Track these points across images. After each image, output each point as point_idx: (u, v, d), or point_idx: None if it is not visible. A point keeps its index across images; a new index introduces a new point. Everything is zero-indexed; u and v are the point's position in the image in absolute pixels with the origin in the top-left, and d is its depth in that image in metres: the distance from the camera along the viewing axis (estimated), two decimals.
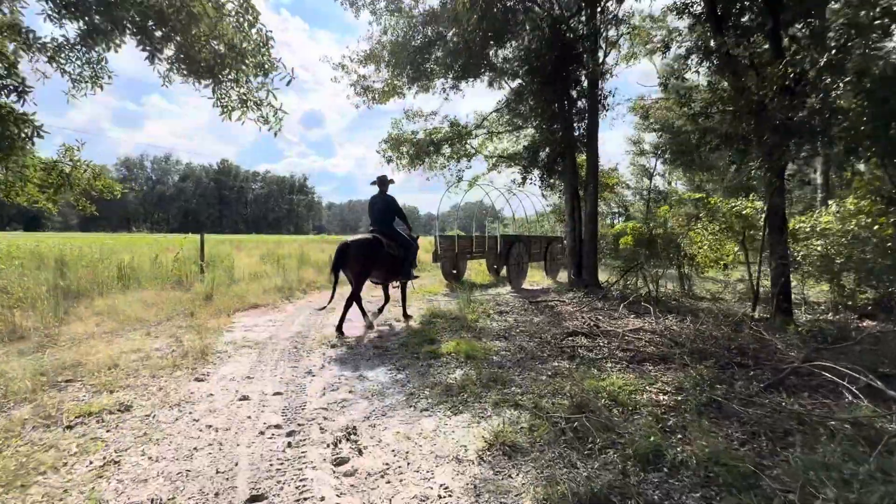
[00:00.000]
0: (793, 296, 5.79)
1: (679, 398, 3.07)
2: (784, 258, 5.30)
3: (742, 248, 6.81)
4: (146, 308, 6.23)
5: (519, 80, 9.40)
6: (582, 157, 9.30)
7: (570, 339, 4.73)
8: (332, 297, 5.47)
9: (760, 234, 6.11)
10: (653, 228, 7.25)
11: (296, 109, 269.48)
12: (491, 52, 8.59)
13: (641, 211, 21.86)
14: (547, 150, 9.01)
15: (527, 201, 13.17)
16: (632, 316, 5.88)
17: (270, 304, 7.46)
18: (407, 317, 6.08)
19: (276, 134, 5.34)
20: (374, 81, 9.44)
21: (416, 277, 6.58)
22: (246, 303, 7.22)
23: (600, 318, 5.79)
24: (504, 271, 10.96)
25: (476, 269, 13.39)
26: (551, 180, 9.44)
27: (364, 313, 5.65)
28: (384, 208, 5.79)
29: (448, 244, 10.42)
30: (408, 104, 11.64)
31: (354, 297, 5.36)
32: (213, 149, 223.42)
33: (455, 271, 10.88)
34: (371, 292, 8.45)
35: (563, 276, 12.49)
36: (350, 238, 5.38)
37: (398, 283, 6.31)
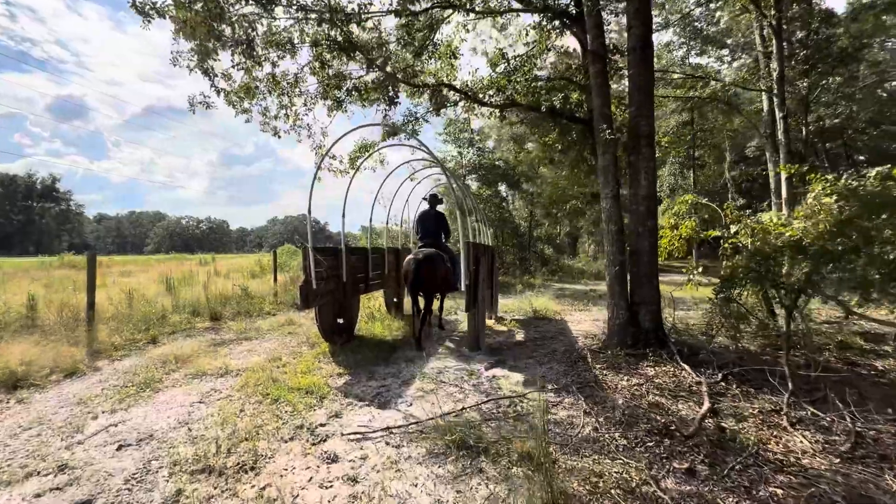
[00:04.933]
0: None
1: None
2: None
3: None
4: None
5: None
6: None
7: None
8: (422, 326, 5.26)
9: None
10: (845, 210, 3.59)
11: (44, 94, 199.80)
12: None
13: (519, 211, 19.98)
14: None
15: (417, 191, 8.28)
16: None
17: None
18: (442, 327, 6.53)
19: None
20: None
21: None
22: None
23: None
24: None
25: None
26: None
27: (421, 328, 5.29)
28: (436, 224, 5.98)
29: (331, 265, 5.25)
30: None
31: (429, 310, 5.38)
32: None
33: (340, 319, 5.60)
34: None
35: (505, 305, 8.20)
36: (420, 254, 5.22)
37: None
